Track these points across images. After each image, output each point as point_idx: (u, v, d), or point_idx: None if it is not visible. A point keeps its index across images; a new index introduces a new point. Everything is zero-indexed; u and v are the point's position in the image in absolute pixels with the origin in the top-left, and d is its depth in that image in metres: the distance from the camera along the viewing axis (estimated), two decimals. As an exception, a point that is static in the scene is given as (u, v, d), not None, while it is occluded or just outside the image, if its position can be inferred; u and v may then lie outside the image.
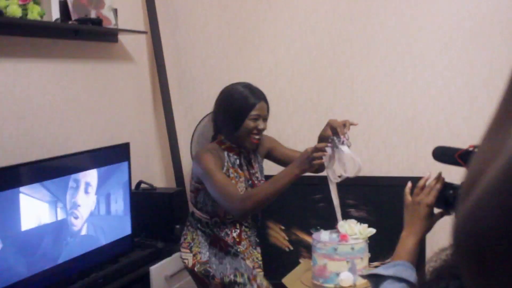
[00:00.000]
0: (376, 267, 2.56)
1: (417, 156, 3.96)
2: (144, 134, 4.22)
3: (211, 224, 2.60)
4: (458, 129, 3.84)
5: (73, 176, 3.07)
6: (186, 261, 2.66)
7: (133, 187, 3.72)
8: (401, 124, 3.98)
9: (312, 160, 2.31)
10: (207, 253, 2.60)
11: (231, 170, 2.49)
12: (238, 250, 2.63)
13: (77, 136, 3.53)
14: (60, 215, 2.98)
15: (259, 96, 2.50)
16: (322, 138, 2.52)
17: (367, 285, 2.56)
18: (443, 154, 1.60)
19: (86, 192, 3.19)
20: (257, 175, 2.64)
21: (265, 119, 2.53)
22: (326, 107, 4.14)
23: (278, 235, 4.10)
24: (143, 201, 3.80)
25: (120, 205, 3.46)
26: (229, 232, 2.63)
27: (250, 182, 2.58)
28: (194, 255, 2.61)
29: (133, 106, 4.10)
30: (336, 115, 4.17)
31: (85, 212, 3.19)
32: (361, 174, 4.07)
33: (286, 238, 4.09)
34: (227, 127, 2.49)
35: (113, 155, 3.41)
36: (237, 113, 2.45)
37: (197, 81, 4.33)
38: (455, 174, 1.55)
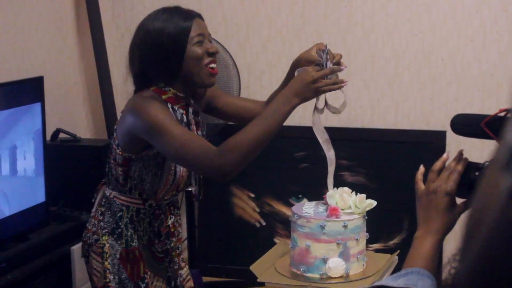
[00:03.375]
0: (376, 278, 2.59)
1: (435, 102, 3.97)
2: (64, 65, 4.16)
3: (144, 211, 2.57)
4: (492, 66, 3.85)
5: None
6: (95, 278, 2.62)
7: (48, 137, 3.69)
8: (414, 58, 3.98)
9: (318, 84, 2.30)
10: (117, 276, 2.56)
11: None
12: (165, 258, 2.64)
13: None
14: None
15: (191, 13, 2.45)
16: (300, 62, 2.51)
17: (362, 275, 2.60)
18: (465, 125, 1.61)
19: (-18, 144, 3.13)
20: (204, 134, 2.61)
21: (210, 40, 2.50)
22: (312, 33, 4.12)
23: (246, 206, 4.11)
24: (61, 157, 3.77)
25: (30, 162, 3.43)
26: (164, 220, 2.61)
27: None
28: (104, 271, 2.58)
29: (49, 27, 4.03)
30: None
31: (-19, 172, 3.13)
32: (359, 125, 4.14)
33: (257, 209, 4.11)
34: (165, 69, 2.42)
35: (20, 94, 3.35)
36: (171, 45, 2.38)
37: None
38: (479, 150, 1.56)
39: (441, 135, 3.82)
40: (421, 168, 1.72)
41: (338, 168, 2.72)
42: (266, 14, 4.20)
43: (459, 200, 1.65)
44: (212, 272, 4.19)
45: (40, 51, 3.96)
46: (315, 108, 2.52)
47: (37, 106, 3.43)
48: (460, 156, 1.64)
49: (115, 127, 2.54)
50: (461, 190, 1.63)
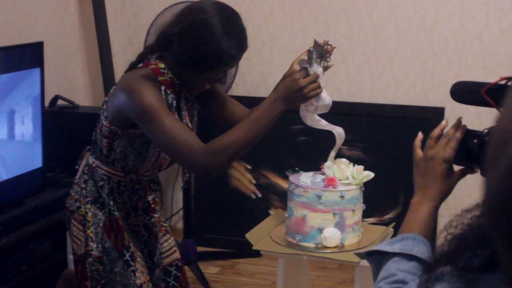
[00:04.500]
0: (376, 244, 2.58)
1: (435, 79, 3.97)
2: (64, 32, 4.17)
3: (125, 184, 2.56)
4: (494, 44, 3.85)
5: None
6: (75, 245, 2.62)
7: (46, 103, 3.70)
8: (416, 35, 3.97)
9: (304, 91, 2.33)
10: (99, 244, 2.55)
11: None
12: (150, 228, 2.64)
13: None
14: None
15: (243, 44, 2.42)
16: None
17: (357, 246, 2.61)
18: (465, 92, 1.60)
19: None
20: (190, 125, 2.59)
21: (227, 71, 2.51)
22: (315, 7, 4.10)
23: (242, 178, 4.12)
24: (59, 123, 3.79)
25: (28, 127, 3.44)
26: (143, 195, 2.62)
27: None
28: (86, 239, 2.57)
29: (50, -8, 4.03)
30: (327, 19, 4.17)
31: (-21, 135, 3.14)
32: (358, 100, 4.14)
33: (253, 181, 4.12)
34: (184, 59, 2.39)
35: (20, 59, 3.35)
36: (208, 56, 2.37)
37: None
38: (477, 119, 1.55)
39: (440, 111, 3.82)
40: (420, 135, 1.71)
41: (335, 141, 2.72)
42: (268, -14, 4.19)
43: (456, 167, 1.65)
44: (207, 242, 4.21)
45: (41, 17, 3.96)
46: (302, 108, 2.51)
47: (36, 72, 3.43)
48: (458, 123, 1.63)
49: (106, 99, 2.52)
50: (459, 157, 1.62)
